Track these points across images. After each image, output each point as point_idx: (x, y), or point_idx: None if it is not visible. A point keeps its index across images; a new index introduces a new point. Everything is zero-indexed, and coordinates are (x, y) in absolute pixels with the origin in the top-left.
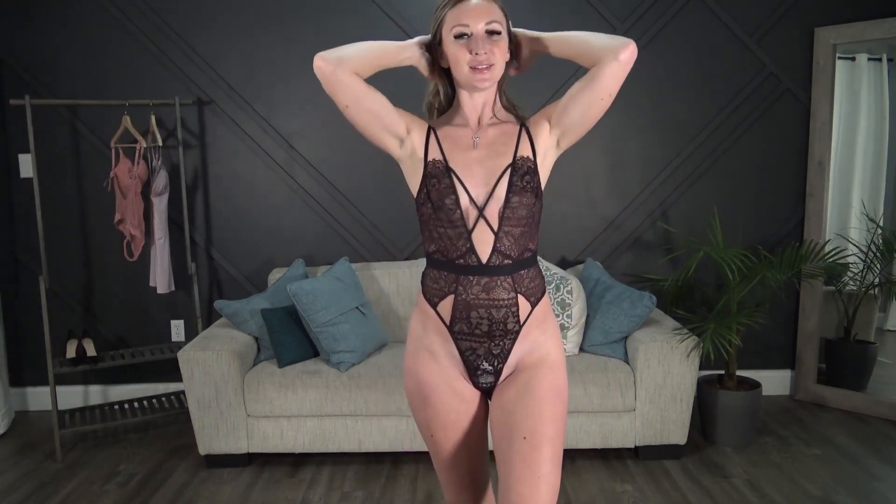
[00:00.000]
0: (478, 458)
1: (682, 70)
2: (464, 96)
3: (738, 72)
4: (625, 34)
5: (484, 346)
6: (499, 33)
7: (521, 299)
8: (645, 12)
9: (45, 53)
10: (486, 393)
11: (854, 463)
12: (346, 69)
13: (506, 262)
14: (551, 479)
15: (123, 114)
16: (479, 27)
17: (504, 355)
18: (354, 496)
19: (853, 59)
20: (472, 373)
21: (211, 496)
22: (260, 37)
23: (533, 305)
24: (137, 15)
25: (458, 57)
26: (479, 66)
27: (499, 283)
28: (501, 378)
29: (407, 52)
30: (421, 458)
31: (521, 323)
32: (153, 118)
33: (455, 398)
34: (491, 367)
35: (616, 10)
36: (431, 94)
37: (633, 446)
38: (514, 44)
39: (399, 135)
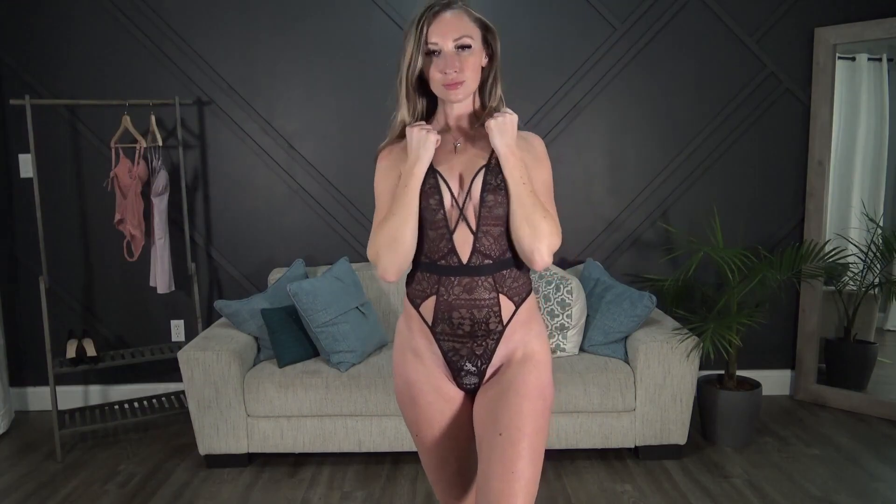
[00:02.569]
0: (465, 457)
1: (681, 70)
2: (443, 104)
3: (738, 72)
4: (625, 34)
5: (466, 347)
6: (469, 47)
7: (503, 299)
8: (645, 12)
9: (45, 53)
10: (471, 394)
11: (854, 463)
12: (397, 270)
13: (486, 262)
14: (527, 475)
15: (123, 114)
16: (449, 45)
17: (487, 356)
18: (354, 496)
19: (853, 59)
20: (456, 374)
21: (211, 496)
22: (260, 37)
23: (517, 305)
24: (137, 15)
25: (431, 73)
26: (450, 82)
27: (480, 283)
28: (485, 378)
29: (418, 166)
30: None
31: (505, 323)
32: (153, 118)
33: (439, 398)
34: (474, 368)
35: (616, 10)
36: (407, 116)
37: (633, 446)
38: (491, 50)
39: None
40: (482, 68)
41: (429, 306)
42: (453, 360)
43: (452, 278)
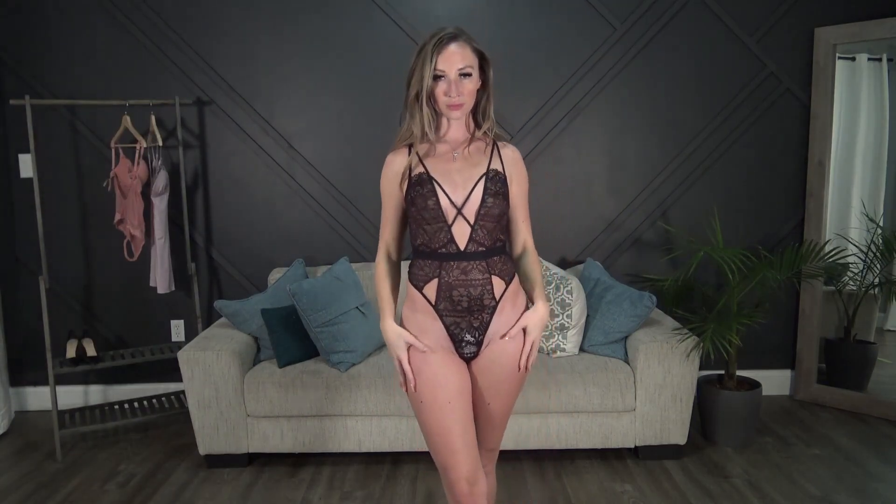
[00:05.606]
0: (466, 420)
1: (682, 70)
2: (444, 121)
3: (737, 72)
4: (625, 34)
5: (466, 320)
6: (469, 75)
7: (495, 279)
8: (645, 12)
9: (45, 53)
10: (469, 361)
11: (854, 463)
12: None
13: (480, 249)
14: (504, 426)
15: (123, 114)
16: (453, 72)
17: (484, 327)
18: (354, 496)
19: (853, 59)
20: (458, 345)
21: (211, 496)
22: (260, 37)
23: (507, 283)
24: (137, 15)
25: (437, 94)
26: (452, 104)
27: (474, 266)
28: (483, 347)
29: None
30: (421, 458)
31: (497, 299)
32: (153, 118)
33: (443, 367)
34: (473, 339)
35: (616, 10)
36: (416, 126)
37: (633, 446)
38: (485, 76)
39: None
40: (477, 91)
41: (432, 287)
42: (454, 332)
43: (452, 263)
